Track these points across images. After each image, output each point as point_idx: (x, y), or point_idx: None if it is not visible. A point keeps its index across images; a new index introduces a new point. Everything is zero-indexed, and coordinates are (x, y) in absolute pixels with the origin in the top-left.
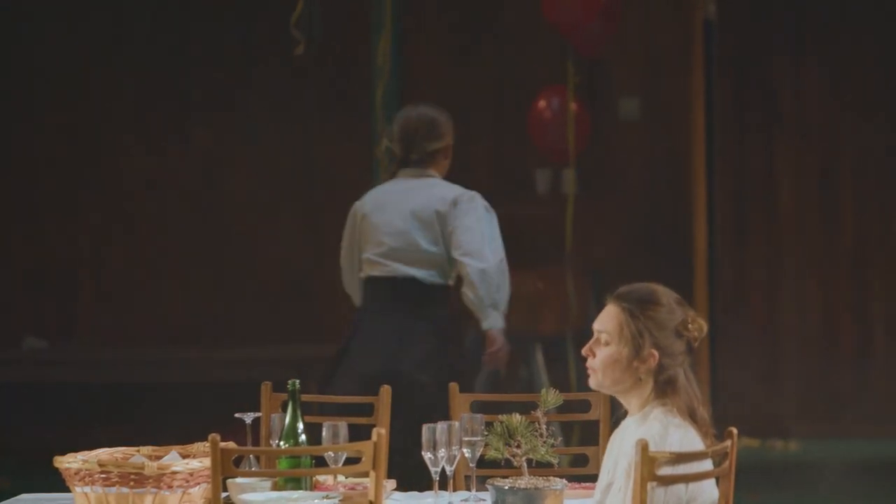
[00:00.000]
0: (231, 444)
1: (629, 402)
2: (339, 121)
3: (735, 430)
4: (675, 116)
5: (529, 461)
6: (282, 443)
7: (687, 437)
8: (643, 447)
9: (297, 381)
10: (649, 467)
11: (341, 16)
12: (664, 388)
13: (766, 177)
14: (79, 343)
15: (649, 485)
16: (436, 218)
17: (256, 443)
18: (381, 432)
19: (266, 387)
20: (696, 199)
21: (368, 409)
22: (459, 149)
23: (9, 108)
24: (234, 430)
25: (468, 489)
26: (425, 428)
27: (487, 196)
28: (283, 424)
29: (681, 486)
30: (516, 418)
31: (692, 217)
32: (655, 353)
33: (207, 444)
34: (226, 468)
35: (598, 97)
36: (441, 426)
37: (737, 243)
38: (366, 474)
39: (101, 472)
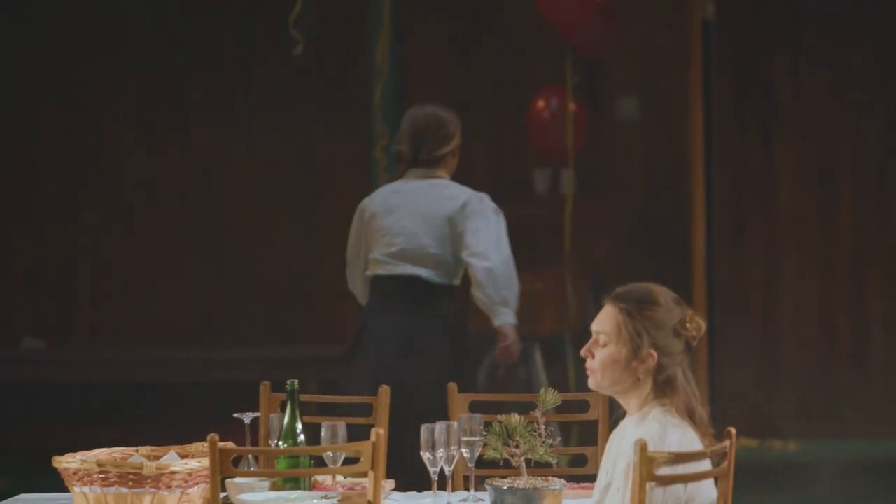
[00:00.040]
0: (230, 444)
1: (628, 402)
2: (338, 120)
3: (734, 430)
4: (673, 116)
5: (528, 461)
6: (280, 443)
7: (685, 438)
8: (642, 447)
9: (296, 382)
10: (648, 467)
11: (340, 16)
12: (663, 388)
13: (764, 176)
14: (77, 343)
15: (648, 485)
16: (445, 220)
17: (255, 443)
18: (379, 432)
19: (265, 387)
20: (695, 198)
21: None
22: (459, 148)
23: (9, 108)
24: (233, 430)
25: (467, 489)
26: (424, 428)
27: None
28: (282, 424)
29: (679, 487)
30: (515, 418)
31: (691, 217)
32: (654, 352)
33: (206, 444)
34: (224, 468)
35: (597, 97)
36: (440, 426)
37: (735, 243)
38: (364, 474)
39: (100, 472)
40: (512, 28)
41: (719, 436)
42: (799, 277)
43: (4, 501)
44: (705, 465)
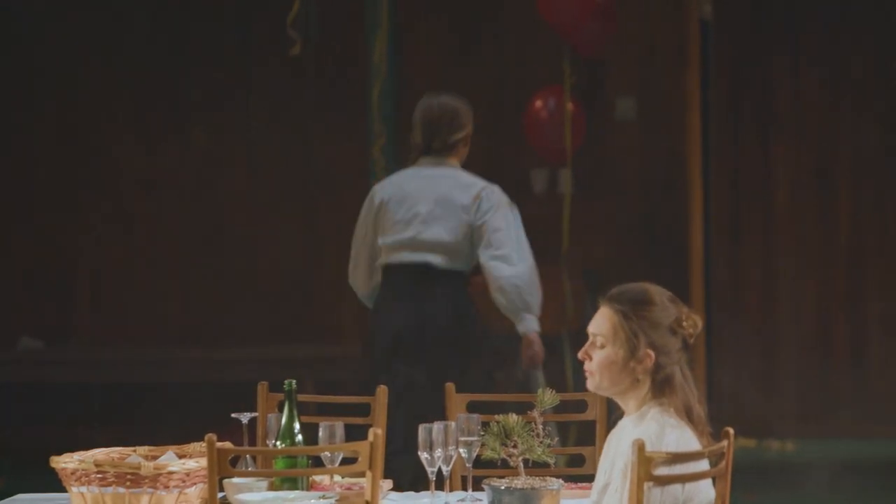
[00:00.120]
0: (227, 444)
1: (626, 402)
2: (337, 120)
3: (731, 431)
4: (671, 116)
5: (526, 461)
6: (278, 443)
7: (683, 437)
8: (640, 447)
9: (294, 382)
10: (646, 467)
11: (338, 15)
12: (661, 387)
13: (762, 177)
14: (76, 343)
15: (646, 485)
16: (459, 208)
17: (253, 443)
18: (377, 432)
19: (262, 387)
20: (693, 198)
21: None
22: (470, 137)
23: (9, 108)
24: (231, 430)
25: (465, 489)
26: (421, 428)
27: None
28: (280, 424)
29: (677, 487)
30: (513, 418)
31: (688, 217)
32: (651, 352)
33: (204, 444)
34: (222, 468)
35: (595, 97)
36: (437, 426)
37: (733, 243)
38: (362, 474)
39: (98, 472)
40: (510, 28)
41: (717, 435)
42: (797, 277)
43: (2, 501)
44: (703, 465)
